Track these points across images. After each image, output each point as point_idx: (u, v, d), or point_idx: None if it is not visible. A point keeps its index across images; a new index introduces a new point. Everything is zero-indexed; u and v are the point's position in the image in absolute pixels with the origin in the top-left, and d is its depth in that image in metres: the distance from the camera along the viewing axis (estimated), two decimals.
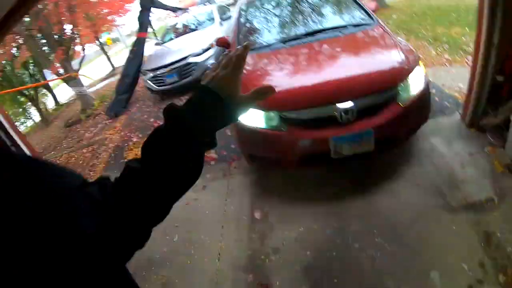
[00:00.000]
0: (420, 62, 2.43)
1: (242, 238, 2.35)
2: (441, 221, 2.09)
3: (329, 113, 2.16)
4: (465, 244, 1.90)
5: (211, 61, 5.65)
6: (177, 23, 7.64)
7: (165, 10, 7.84)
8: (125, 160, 4.08)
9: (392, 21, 7.92)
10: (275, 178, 2.82)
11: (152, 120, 5.21)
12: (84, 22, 8.32)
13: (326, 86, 2.27)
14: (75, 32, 7.80)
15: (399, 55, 2.38)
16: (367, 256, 1.97)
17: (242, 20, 3.49)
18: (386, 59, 2.44)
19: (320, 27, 3.02)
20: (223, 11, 7.64)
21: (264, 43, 3.04)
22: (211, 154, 3.47)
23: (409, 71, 2.30)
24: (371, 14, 3.05)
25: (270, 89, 0.59)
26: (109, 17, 11.88)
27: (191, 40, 6.14)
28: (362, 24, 2.95)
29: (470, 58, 4.59)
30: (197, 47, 5.69)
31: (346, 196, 2.43)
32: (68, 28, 7.45)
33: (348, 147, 2.15)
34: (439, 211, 2.14)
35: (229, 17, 7.07)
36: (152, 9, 7.18)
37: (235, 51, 0.58)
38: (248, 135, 2.42)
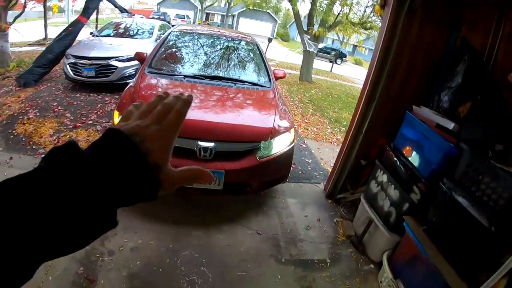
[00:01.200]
0: (292, 130, 2.64)
1: None
2: (268, 268, 2.20)
3: (190, 146, 2.22)
4: None
5: (131, 70, 5.49)
6: (121, 23, 7.30)
7: (114, 7, 7.38)
8: (13, 131, 3.62)
9: (309, 95, 8.61)
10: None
11: (55, 104, 4.66)
12: None
13: (196, 122, 2.33)
14: None
15: (272, 118, 2.57)
16: (189, 280, 2.01)
17: (165, 43, 3.49)
18: (260, 118, 2.64)
19: (222, 75, 3.18)
20: (165, 30, 7.52)
21: (171, 72, 3.09)
22: None
23: (275, 134, 2.46)
24: (271, 79, 3.28)
25: (208, 175, 0.40)
26: None
27: (123, 44, 5.88)
28: (258, 85, 3.15)
29: None
30: (124, 52, 5.47)
31: (191, 224, 2.46)
32: None
33: None
34: (269, 260, 2.26)
35: None
36: (104, 1, 6.70)
37: (176, 98, 0.39)
38: None
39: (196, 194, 2.55)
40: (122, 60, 5.36)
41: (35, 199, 0.27)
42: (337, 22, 11.09)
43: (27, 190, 0.28)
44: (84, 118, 4.22)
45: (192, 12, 36.63)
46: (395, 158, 2.29)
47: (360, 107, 2.70)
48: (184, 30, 3.97)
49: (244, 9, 36.26)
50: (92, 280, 1.93)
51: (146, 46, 5.92)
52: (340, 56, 24.92)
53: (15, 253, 0.26)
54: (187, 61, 3.35)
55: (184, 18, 28.91)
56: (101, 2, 6.78)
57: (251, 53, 3.76)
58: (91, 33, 6.56)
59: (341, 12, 11.06)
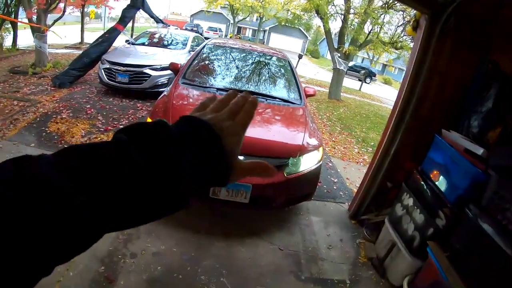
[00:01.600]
0: (320, 148, 2.76)
1: (110, 234, 2.29)
2: (288, 285, 2.27)
3: None
4: None
5: (163, 79, 5.88)
6: (156, 33, 7.85)
7: (150, 17, 7.97)
8: (46, 129, 4.02)
9: (337, 113, 8.76)
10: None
11: (88, 106, 5.07)
12: None
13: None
14: None
15: (301, 135, 2.71)
16: None
17: (199, 56, 3.78)
18: (290, 135, 2.78)
19: (253, 89, 3.39)
20: (198, 41, 8.01)
21: (204, 84, 3.33)
22: None
23: (304, 151, 2.59)
24: (302, 96, 3.47)
25: (272, 171, 0.45)
26: None
27: (157, 54, 6.34)
28: (289, 101, 3.32)
29: None
30: (158, 62, 5.91)
31: (214, 235, 2.57)
32: None
33: (226, 193, 2.34)
34: (289, 276, 2.33)
35: None
36: (141, 10, 7.29)
37: (244, 98, 0.44)
38: None
39: (223, 206, 2.66)
40: (156, 69, 5.77)
41: (120, 174, 0.29)
42: (367, 41, 11.26)
43: (110, 162, 0.30)
44: (115, 123, 4.57)
45: (224, 25, 38.13)
46: (422, 182, 2.37)
47: (390, 129, 2.81)
48: (218, 44, 4.28)
49: (275, 24, 37.31)
50: (112, 280, 2.01)
51: (180, 56, 6.36)
52: (370, 75, 25.03)
53: (110, 216, 0.29)
54: (219, 74, 3.61)
55: (217, 31, 30.28)
56: (137, 12, 7.33)
57: (282, 69, 3.99)
58: (126, 41, 7.11)
59: (372, 31, 11.18)
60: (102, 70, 5.75)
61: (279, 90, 3.61)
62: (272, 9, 27.31)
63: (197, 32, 18.85)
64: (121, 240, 2.34)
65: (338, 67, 10.84)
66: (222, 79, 3.52)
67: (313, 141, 2.75)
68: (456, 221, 2.01)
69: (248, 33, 41.13)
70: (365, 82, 18.97)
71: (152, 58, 5.99)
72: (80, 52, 7.00)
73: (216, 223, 2.72)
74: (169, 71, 5.78)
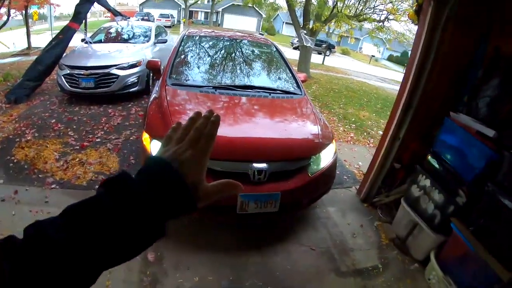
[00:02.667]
0: (333, 140, 2.74)
1: (132, 279, 2.14)
2: (332, 284, 2.31)
3: (243, 170, 2.21)
4: None
5: (133, 79, 5.45)
6: (111, 27, 7.21)
7: (106, 10, 7.24)
8: (12, 158, 3.53)
9: (311, 91, 8.86)
10: (174, 220, 2.63)
11: (53, 121, 4.55)
12: None
13: (246, 143, 2.37)
14: None
15: (317, 131, 2.64)
16: None
17: (180, 51, 3.49)
18: (306, 131, 2.69)
19: (252, 83, 3.21)
20: (160, 32, 7.54)
21: (196, 83, 3.08)
22: None
23: (322, 147, 2.55)
24: (300, 86, 3.37)
25: (239, 187, 0.52)
26: None
27: (122, 51, 5.83)
28: (291, 92, 3.22)
29: (372, 140, 5.40)
30: (125, 59, 5.45)
31: (243, 250, 2.48)
32: None
33: (254, 206, 2.22)
34: (330, 275, 2.37)
35: (165, 41, 7.07)
36: (95, 4, 6.59)
37: (206, 119, 0.49)
38: None
39: (252, 220, 2.56)
40: (123, 68, 5.33)
41: (103, 221, 0.38)
42: (332, 15, 11.29)
43: (95, 214, 0.38)
44: (90, 136, 4.16)
45: (176, 11, 36.55)
46: (438, 164, 2.51)
47: (397, 115, 2.90)
48: (196, 35, 3.98)
49: (228, 4, 36.44)
50: None
51: (145, 51, 5.94)
52: (329, 47, 25.49)
53: (86, 263, 0.36)
54: (211, 70, 3.36)
55: (168, 17, 28.92)
56: (92, 6, 6.64)
57: (271, 56, 3.86)
58: (83, 40, 6.44)
59: (335, 6, 11.28)
60: (62, 77, 5.19)
61: (276, 80, 3.50)
62: None
63: (148, 20, 17.75)
64: (147, 282, 2.14)
65: (305, 44, 10.82)
66: (213, 75, 3.30)
67: (327, 134, 2.71)
68: (475, 198, 2.16)
69: (201, 16, 39.82)
70: (325, 55, 19.32)
71: (117, 56, 5.49)
72: (31, 58, 6.24)
73: (242, 237, 2.62)
74: (137, 69, 5.42)
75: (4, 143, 3.82)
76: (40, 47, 12.12)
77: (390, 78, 20.17)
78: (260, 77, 3.45)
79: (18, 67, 7.43)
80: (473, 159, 2.23)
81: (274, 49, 3.96)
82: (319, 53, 20.60)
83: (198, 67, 3.37)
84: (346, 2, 11.27)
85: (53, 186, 3.03)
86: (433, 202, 2.42)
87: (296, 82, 3.40)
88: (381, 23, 11.29)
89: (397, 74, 26.14)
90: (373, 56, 33.73)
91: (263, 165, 2.21)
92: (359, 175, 3.91)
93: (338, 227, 2.89)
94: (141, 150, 2.62)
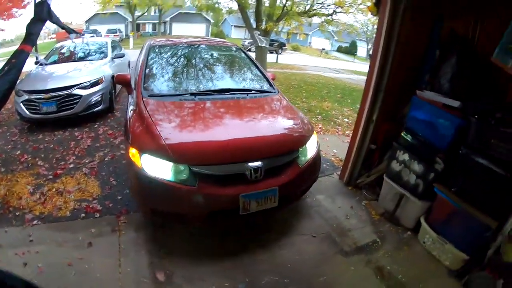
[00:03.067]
0: (314, 131, 2.89)
1: None
2: (340, 264, 2.44)
3: (240, 171, 2.24)
4: (365, 280, 2.30)
5: (96, 97, 5.23)
6: (64, 46, 6.82)
7: (60, 28, 6.82)
8: None
9: None
10: (173, 233, 2.67)
11: (18, 152, 4.21)
12: None
13: (240, 144, 2.40)
14: None
15: (300, 124, 2.78)
16: None
17: (149, 62, 3.44)
18: (290, 126, 2.79)
19: (229, 86, 3.26)
20: (114, 47, 7.30)
21: (173, 92, 3.05)
22: (94, 204, 3.05)
23: (307, 138, 2.68)
24: (273, 84, 3.50)
25: None
26: None
27: (80, 69, 5.54)
28: (266, 91, 3.33)
29: (339, 128, 5.66)
30: (85, 78, 5.18)
31: (250, 251, 2.50)
32: None
33: (256, 204, 2.25)
34: (336, 257, 2.51)
35: (122, 55, 6.88)
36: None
37: None
38: (152, 188, 2.24)
39: (255, 218, 2.57)
40: (85, 87, 5.06)
41: None
42: (283, 14, 11.53)
43: None
44: (62, 163, 3.87)
45: (123, 25, 35.34)
46: (412, 139, 2.76)
47: (368, 100, 3.14)
48: (161, 44, 3.94)
49: (175, 13, 35.91)
50: None
51: (104, 67, 5.71)
52: (281, 45, 26.14)
53: None
54: (184, 77, 3.33)
55: (116, 32, 27.79)
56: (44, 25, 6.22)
57: (241, 59, 3.93)
58: (36, 62, 6.02)
59: (286, 5, 11.51)
60: (21, 104, 4.83)
61: (250, 81, 3.57)
62: None
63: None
64: None
65: (260, 44, 10.95)
66: (188, 83, 3.26)
67: (308, 126, 2.85)
68: (451, 162, 2.43)
69: (148, 28, 38.96)
70: (278, 54, 19.84)
71: (77, 76, 5.19)
72: None
73: (245, 239, 2.63)
74: (99, 86, 5.21)
75: None
76: None
77: (343, 68, 21.01)
78: (234, 80, 3.51)
79: None
80: (444, 129, 2.49)
81: (240, 52, 4.05)
82: (271, 52, 21.03)
83: (171, 76, 3.32)
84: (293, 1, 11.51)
85: (34, 222, 2.78)
86: (414, 173, 2.66)
87: (268, 81, 3.52)
88: (330, 16, 11.63)
89: (348, 63, 27.52)
90: (323, 49, 35.07)
91: (258, 163, 2.25)
92: (337, 162, 4.11)
93: (331, 212, 3.03)
94: (128, 166, 2.54)
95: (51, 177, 3.56)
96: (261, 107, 3.03)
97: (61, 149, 4.28)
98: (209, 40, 4.46)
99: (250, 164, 2.24)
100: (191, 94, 2.95)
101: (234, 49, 4.15)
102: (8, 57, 5.88)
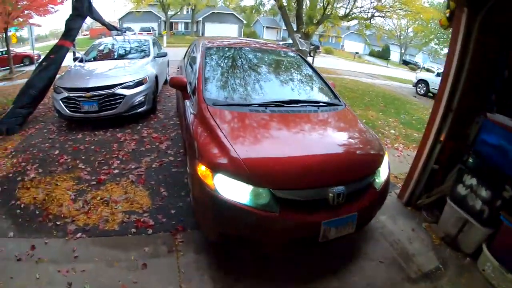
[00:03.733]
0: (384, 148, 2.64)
1: None
2: None
3: (323, 196, 2.03)
4: None
5: (140, 98, 4.98)
6: (102, 43, 6.76)
7: (101, 24, 6.73)
8: (18, 202, 2.99)
9: None
10: (239, 256, 2.42)
11: (56, 152, 4.07)
12: None
13: (323, 166, 2.16)
14: None
15: (375, 141, 2.58)
16: None
17: (208, 65, 3.15)
18: (367, 144, 2.54)
19: (297, 97, 2.99)
20: (157, 45, 7.17)
21: (240, 101, 2.75)
22: (145, 218, 2.79)
23: (383, 156, 2.47)
24: (338, 96, 3.19)
25: None
26: (26, 11, 10.04)
27: (121, 68, 5.37)
28: (333, 104, 3.01)
29: (388, 141, 5.30)
30: (130, 77, 4.95)
31: (319, 278, 2.31)
32: None
33: (335, 231, 2.09)
34: (404, 283, 2.36)
35: (164, 54, 6.71)
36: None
37: None
38: (224, 212, 2.00)
39: (331, 245, 2.38)
40: (129, 87, 4.84)
41: None
42: (325, 17, 11.46)
43: None
44: (105, 168, 3.65)
45: (156, 24, 36.42)
46: (480, 162, 2.62)
47: (437, 120, 2.98)
48: (216, 45, 3.67)
49: (208, 13, 36.44)
50: None
51: (147, 66, 5.51)
52: (315, 48, 26.14)
53: None
54: (248, 85, 3.04)
55: (150, 31, 28.45)
56: (84, 21, 6.17)
57: (301, 66, 3.62)
58: (75, 59, 5.94)
59: (327, 7, 11.45)
60: (60, 101, 4.70)
61: (316, 92, 3.26)
62: None
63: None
64: None
65: (300, 48, 10.77)
66: (254, 91, 2.96)
67: (380, 143, 2.63)
68: None
69: (181, 27, 39.86)
70: (313, 57, 19.50)
71: (120, 75, 5.00)
72: (15, 83, 5.72)
73: (314, 265, 2.41)
74: (143, 86, 5.00)
75: (4, 184, 3.32)
76: (23, 71, 11.52)
77: (378, 74, 20.59)
78: (300, 90, 3.21)
79: (3, 93, 6.83)
80: None
81: (299, 58, 3.75)
82: (310, 56, 20.72)
83: (234, 83, 3.04)
84: (335, 3, 11.62)
85: (78, 235, 2.57)
86: (481, 198, 2.53)
87: (333, 92, 3.24)
88: (368, 20, 11.81)
89: (382, 68, 27.14)
90: (357, 53, 34.64)
91: (342, 187, 2.04)
92: (392, 178, 3.70)
93: (394, 235, 2.86)
94: (195, 184, 2.25)
95: (94, 183, 3.35)
96: (335, 122, 2.76)
97: (103, 151, 4.09)
98: (263, 43, 4.16)
99: (335, 188, 2.03)
100: (260, 105, 2.65)
101: (292, 54, 3.86)
102: (46, 51, 5.86)
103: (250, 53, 3.62)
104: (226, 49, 3.65)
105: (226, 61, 3.40)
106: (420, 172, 3.15)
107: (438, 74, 12.70)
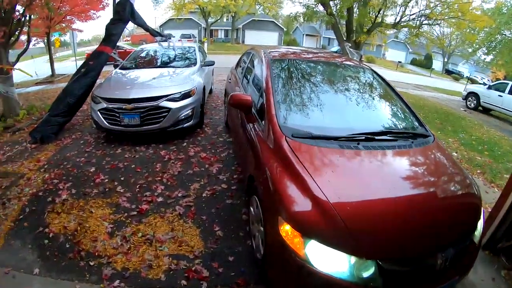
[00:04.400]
0: None
1: None
2: None
3: (432, 262, 1.69)
4: None
5: (187, 111, 4.52)
6: (144, 49, 6.49)
7: (144, 30, 6.58)
8: (46, 230, 2.58)
9: None
10: None
11: (92, 169, 3.73)
12: (40, 10, 6.81)
13: (436, 225, 1.76)
14: (27, 17, 6.13)
15: (474, 186, 2.13)
16: None
17: (275, 83, 2.63)
18: (468, 191, 2.10)
19: (384, 127, 2.48)
20: (201, 52, 6.80)
21: (324, 132, 2.19)
22: (197, 266, 2.31)
23: (481, 205, 2.08)
24: (423, 123, 2.64)
25: None
26: (68, 17, 10.53)
27: (165, 77, 4.98)
28: (423, 135, 2.47)
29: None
30: (175, 88, 4.49)
31: None
32: (20, 9, 5.78)
33: None
34: None
35: (212, 63, 6.26)
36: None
37: None
38: (318, 285, 1.63)
39: None
40: (175, 99, 4.38)
41: None
42: (375, 25, 11.15)
43: None
44: (147, 194, 3.20)
45: (196, 31, 37.77)
46: None
47: None
48: (281, 58, 3.15)
49: (248, 20, 37.12)
50: None
51: (194, 76, 5.08)
52: (359, 57, 26.37)
53: None
54: (328, 109, 2.54)
55: (190, 38, 29.25)
56: (125, 26, 6.01)
57: (381, 86, 3.08)
58: (116, 66, 5.70)
59: (379, 14, 11.20)
60: (98, 112, 4.35)
61: (401, 119, 2.70)
62: (243, 6, 26.72)
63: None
64: None
65: (351, 57, 10.42)
66: (335, 117, 2.48)
67: (477, 187, 2.17)
68: None
69: (221, 34, 40.90)
70: None
71: (166, 85, 4.60)
72: (56, 86, 5.65)
73: None
74: (191, 99, 4.53)
75: (33, 204, 3.02)
76: (64, 74, 11.99)
77: (424, 85, 19.81)
78: (387, 116, 2.69)
79: (42, 96, 6.89)
80: None
81: (377, 75, 3.21)
82: None
83: (313, 105, 2.51)
84: (385, 11, 11.64)
85: (116, 283, 2.14)
86: None
87: (418, 118, 2.66)
88: (417, 29, 11.77)
89: (426, 78, 26.31)
90: (399, 62, 34.21)
91: (451, 248, 1.73)
92: None
93: (475, 286, 2.44)
94: (277, 246, 1.77)
95: (134, 213, 2.91)
96: (433, 163, 2.24)
97: (145, 172, 3.65)
98: (331, 56, 3.65)
99: (444, 252, 1.70)
100: (350, 138, 2.13)
101: (368, 70, 3.30)
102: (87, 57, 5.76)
103: (322, 67, 3.10)
104: (294, 63, 3.11)
105: (298, 77, 2.87)
106: (503, 216, 2.77)
107: (489, 87, 12.02)
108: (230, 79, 4.82)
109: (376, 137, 2.18)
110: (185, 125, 4.54)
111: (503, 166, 5.58)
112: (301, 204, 1.68)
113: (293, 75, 2.89)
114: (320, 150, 1.98)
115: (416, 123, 2.61)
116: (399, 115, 2.70)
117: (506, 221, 2.79)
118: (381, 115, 2.68)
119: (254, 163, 2.30)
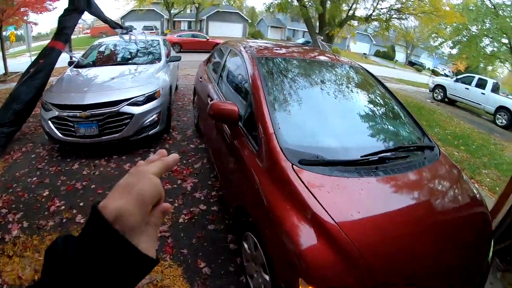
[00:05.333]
0: None
1: None
2: None
3: None
4: None
5: (153, 116, 3.96)
6: (102, 43, 5.75)
7: (102, 21, 5.85)
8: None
9: None
10: None
11: (46, 193, 3.13)
12: None
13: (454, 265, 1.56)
14: None
15: (484, 204, 1.95)
16: None
17: (268, 90, 2.19)
18: (483, 211, 1.93)
19: (395, 143, 2.17)
20: (166, 46, 6.20)
21: (333, 155, 1.80)
22: None
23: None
24: (426, 133, 2.40)
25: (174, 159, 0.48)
26: (22, 9, 9.60)
27: (127, 76, 4.34)
28: (427, 146, 2.21)
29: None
30: (137, 90, 3.87)
31: None
32: None
33: None
34: None
35: (178, 58, 5.68)
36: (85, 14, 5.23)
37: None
38: None
39: None
40: (138, 103, 3.81)
41: None
42: (347, 18, 11.27)
43: None
44: None
45: (159, 22, 36.44)
46: None
47: None
48: (267, 56, 2.66)
49: (212, 12, 36.15)
50: None
51: (160, 74, 4.51)
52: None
53: None
54: (334, 123, 2.20)
55: (153, 30, 27.70)
56: (80, 18, 5.28)
57: (378, 91, 2.75)
58: (70, 63, 4.99)
59: (351, 8, 11.39)
60: (49, 122, 3.68)
61: (405, 129, 2.40)
62: None
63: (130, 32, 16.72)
64: None
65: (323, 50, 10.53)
66: (343, 134, 2.12)
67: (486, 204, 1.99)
68: None
69: (184, 26, 39.54)
70: None
71: (127, 86, 3.96)
72: (9, 86, 4.90)
73: None
74: (156, 102, 3.98)
75: None
76: (18, 72, 10.81)
77: (389, 76, 20.21)
78: (393, 128, 2.38)
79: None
80: None
81: (371, 75, 2.90)
82: None
83: (317, 120, 2.15)
84: (358, 4, 11.91)
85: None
86: None
87: (420, 128, 2.41)
88: (386, 23, 12.11)
89: (390, 70, 27.11)
90: (364, 54, 35.65)
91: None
92: None
93: None
94: None
95: None
96: (446, 181, 1.97)
97: (107, 191, 3.12)
98: (321, 53, 3.31)
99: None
100: (366, 162, 1.74)
101: (361, 69, 2.97)
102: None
103: (314, 69, 2.73)
104: (283, 62, 2.67)
105: (289, 83, 2.41)
106: (504, 216, 2.78)
107: (456, 80, 12.81)
108: (201, 78, 4.16)
109: (389, 158, 1.85)
110: (150, 132, 3.99)
111: (480, 161, 5.64)
112: (322, 256, 1.31)
113: (284, 79, 2.45)
114: (340, 183, 1.57)
115: (420, 132, 2.36)
116: (404, 125, 2.42)
117: (502, 225, 2.81)
118: (387, 125, 2.39)
119: (249, 194, 1.87)
